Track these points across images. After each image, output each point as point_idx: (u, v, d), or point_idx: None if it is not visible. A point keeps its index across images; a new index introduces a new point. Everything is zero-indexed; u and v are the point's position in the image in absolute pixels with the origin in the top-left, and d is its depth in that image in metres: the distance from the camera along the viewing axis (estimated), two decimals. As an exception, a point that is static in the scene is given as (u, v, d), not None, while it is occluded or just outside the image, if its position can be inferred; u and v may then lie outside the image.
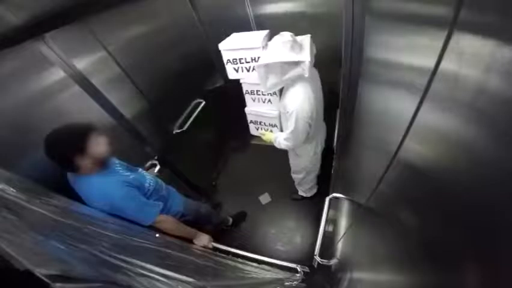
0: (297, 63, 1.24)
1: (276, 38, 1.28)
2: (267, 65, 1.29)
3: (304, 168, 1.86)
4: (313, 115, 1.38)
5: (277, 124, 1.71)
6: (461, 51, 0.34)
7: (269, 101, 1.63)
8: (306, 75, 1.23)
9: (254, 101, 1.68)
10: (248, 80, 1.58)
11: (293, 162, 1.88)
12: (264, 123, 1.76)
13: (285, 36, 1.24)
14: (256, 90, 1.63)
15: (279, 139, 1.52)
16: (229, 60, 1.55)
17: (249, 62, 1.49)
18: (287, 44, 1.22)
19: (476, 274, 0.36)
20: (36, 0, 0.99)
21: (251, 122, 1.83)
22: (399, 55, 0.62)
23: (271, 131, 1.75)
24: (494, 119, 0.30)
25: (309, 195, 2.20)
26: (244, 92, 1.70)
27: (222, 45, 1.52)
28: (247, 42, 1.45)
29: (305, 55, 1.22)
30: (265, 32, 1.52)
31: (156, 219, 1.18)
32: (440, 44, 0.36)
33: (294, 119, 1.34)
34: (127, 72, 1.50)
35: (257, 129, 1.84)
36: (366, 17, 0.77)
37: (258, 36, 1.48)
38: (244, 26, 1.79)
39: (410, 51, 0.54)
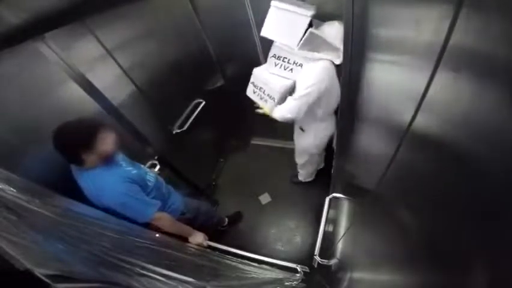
0: (335, 49, 1.34)
1: (338, 22, 1.37)
2: (318, 37, 1.35)
3: (306, 149, 1.90)
4: (323, 92, 1.43)
5: (276, 98, 1.67)
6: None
7: (291, 69, 1.61)
8: (337, 63, 1.35)
9: (276, 65, 1.65)
10: (279, 39, 1.54)
11: (297, 141, 1.92)
12: (264, 91, 1.73)
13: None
14: (284, 57, 1.61)
15: (284, 107, 1.53)
16: (272, 17, 1.51)
17: (292, 26, 1.43)
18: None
19: (477, 273, 0.36)
20: (36, 0, 0.98)
21: (252, 83, 1.80)
22: (404, 36, 0.60)
23: (265, 101, 1.75)
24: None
25: (308, 179, 2.31)
26: (270, 55, 1.68)
27: (275, 3, 1.47)
28: (300, 8, 1.41)
29: None
30: (313, 6, 1.47)
31: (154, 216, 1.18)
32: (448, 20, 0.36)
33: (305, 85, 1.41)
34: (126, 72, 1.50)
35: (254, 93, 1.81)
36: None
37: (308, 7, 1.44)
38: (244, 26, 1.78)
39: (417, 29, 0.52)
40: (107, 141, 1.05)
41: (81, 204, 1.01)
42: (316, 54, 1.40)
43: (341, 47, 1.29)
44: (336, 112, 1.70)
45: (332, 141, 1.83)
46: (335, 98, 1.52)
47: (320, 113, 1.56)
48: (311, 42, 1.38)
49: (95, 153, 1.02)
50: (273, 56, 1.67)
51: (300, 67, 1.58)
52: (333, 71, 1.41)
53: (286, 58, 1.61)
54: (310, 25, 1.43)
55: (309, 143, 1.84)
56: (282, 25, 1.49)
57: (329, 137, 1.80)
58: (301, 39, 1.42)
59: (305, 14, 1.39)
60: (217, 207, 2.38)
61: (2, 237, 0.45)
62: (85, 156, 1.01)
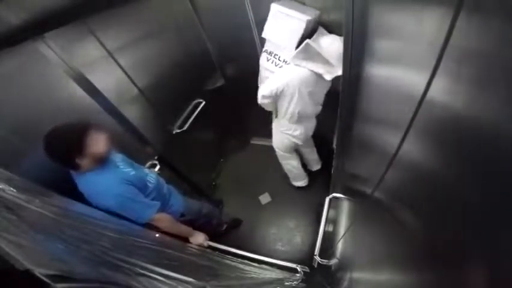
0: (329, 65, 1.34)
1: (340, 38, 1.36)
2: (314, 50, 1.35)
3: (275, 144, 2.01)
4: (277, 92, 1.51)
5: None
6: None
7: (281, 66, 1.65)
8: (327, 79, 1.38)
9: (268, 60, 1.70)
10: (278, 42, 1.58)
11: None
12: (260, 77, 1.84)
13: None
14: (275, 54, 1.65)
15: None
16: (273, 19, 1.55)
17: (289, 29, 1.48)
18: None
19: (477, 273, 0.36)
20: (36, 0, 0.98)
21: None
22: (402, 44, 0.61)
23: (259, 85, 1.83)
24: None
25: (296, 185, 2.32)
26: (263, 49, 1.74)
27: (275, 6, 1.51)
28: (297, 13, 1.44)
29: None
30: (317, 12, 1.51)
31: (153, 217, 1.18)
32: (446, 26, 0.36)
33: (270, 85, 1.52)
34: (127, 72, 1.50)
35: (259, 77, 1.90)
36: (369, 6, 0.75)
37: (309, 12, 1.47)
38: (244, 26, 1.79)
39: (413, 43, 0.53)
40: (98, 143, 1.04)
41: (81, 204, 1.01)
42: (308, 65, 1.42)
43: (336, 64, 1.29)
44: (317, 117, 1.77)
45: (333, 141, 1.84)
46: (295, 103, 1.58)
47: (288, 112, 1.63)
48: (306, 52, 1.41)
49: (88, 156, 1.01)
50: (265, 51, 1.71)
51: (288, 66, 1.61)
52: (309, 81, 1.47)
53: (277, 55, 1.65)
54: (314, 30, 1.44)
55: (274, 140, 1.93)
56: (281, 28, 1.53)
57: (293, 141, 1.83)
58: (298, 43, 1.44)
59: (301, 19, 1.42)
60: (223, 207, 2.36)
61: (2, 237, 0.45)
62: (79, 161, 1.00)
